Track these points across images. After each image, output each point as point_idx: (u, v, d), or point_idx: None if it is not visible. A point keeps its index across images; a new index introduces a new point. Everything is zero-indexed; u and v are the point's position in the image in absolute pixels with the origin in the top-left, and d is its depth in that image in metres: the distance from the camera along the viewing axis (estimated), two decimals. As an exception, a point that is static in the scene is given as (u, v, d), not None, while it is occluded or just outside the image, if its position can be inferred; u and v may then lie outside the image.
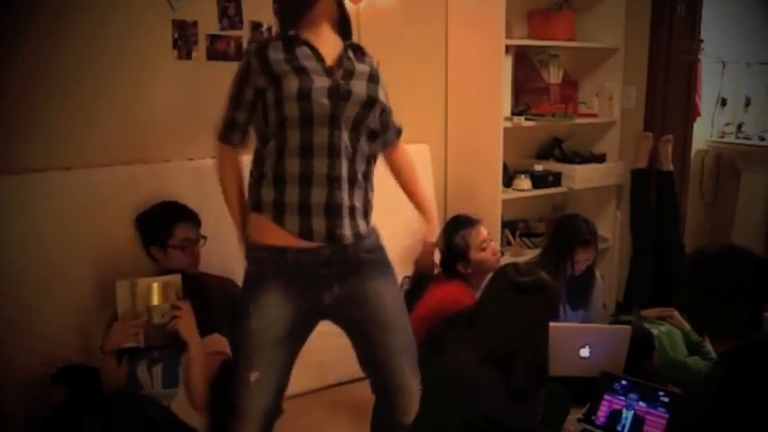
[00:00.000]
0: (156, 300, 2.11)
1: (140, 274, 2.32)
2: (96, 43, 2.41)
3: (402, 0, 3.07)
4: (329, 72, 1.76)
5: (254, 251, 1.83)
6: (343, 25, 1.87)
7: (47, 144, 2.37)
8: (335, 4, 1.83)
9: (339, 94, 1.74)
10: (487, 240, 2.68)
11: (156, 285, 2.11)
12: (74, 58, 2.38)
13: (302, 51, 1.76)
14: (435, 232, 2.14)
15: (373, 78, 1.84)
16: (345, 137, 1.76)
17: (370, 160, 1.88)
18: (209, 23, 2.62)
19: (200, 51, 2.61)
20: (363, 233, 1.83)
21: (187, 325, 2.11)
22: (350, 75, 1.79)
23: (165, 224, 2.30)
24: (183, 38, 2.57)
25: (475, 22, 3.14)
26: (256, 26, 2.70)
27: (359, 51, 1.89)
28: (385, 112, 1.92)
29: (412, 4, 3.11)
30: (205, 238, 2.38)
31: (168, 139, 2.58)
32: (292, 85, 1.71)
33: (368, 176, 1.87)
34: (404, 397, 1.92)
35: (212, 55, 2.63)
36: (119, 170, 2.46)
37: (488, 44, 3.08)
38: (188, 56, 2.59)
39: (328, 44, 1.81)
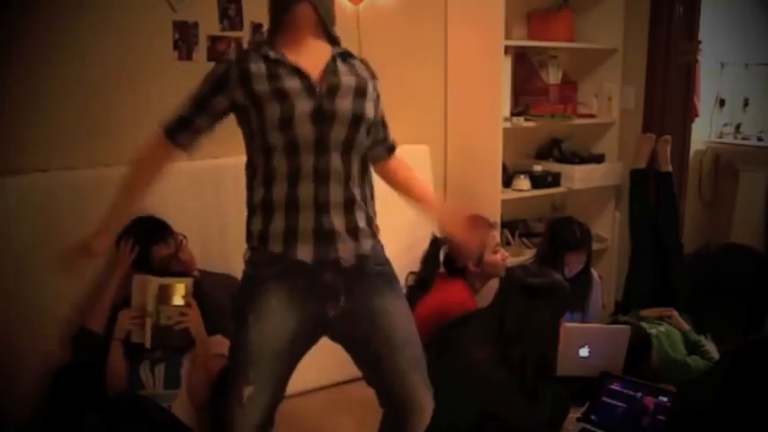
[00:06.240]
0: (167, 300, 2.14)
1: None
2: (97, 44, 2.42)
3: (402, 1, 3.07)
4: (311, 91, 1.67)
5: (253, 251, 1.75)
6: (326, 32, 1.76)
7: (49, 144, 2.38)
8: (313, 11, 1.70)
9: (323, 116, 1.66)
10: (499, 244, 2.75)
11: (166, 286, 2.14)
12: (75, 59, 2.39)
13: (284, 67, 1.68)
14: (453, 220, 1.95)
15: (360, 92, 1.73)
16: (336, 160, 1.69)
17: (368, 178, 1.81)
18: (209, 24, 2.62)
19: (200, 52, 2.61)
20: (368, 253, 1.76)
21: (195, 325, 2.16)
22: (334, 91, 1.69)
23: (140, 253, 2.28)
24: (184, 39, 2.57)
25: (474, 23, 3.14)
26: (257, 27, 2.70)
27: (347, 59, 1.78)
28: (373, 125, 1.80)
29: (411, 5, 3.12)
30: (185, 236, 2.35)
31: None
32: (274, 113, 1.64)
33: (368, 196, 1.80)
34: (415, 413, 1.81)
35: (213, 56, 2.62)
36: (120, 171, 2.45)
37: (488, 45, 3.08)
38: (189, 57, 2.59)
39: (312, 53, 1.72)
